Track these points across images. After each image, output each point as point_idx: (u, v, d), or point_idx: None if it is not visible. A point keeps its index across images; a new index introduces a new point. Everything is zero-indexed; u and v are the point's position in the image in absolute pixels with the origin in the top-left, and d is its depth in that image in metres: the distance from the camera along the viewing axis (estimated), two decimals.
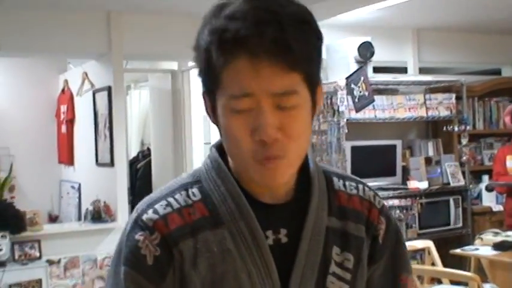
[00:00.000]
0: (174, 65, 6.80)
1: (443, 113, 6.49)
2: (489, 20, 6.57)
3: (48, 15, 5.44)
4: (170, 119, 6.88)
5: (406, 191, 6.22)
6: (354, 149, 5.98)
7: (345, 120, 5.85)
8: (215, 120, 1.21)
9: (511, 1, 5.72)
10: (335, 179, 1.33)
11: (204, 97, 1.23)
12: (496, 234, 5.29)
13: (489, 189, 6.44)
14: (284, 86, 1.12)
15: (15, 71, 7.26)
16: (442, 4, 5.59)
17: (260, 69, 1.11)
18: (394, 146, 6.30)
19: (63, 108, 7.19)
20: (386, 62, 6.57)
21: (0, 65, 7.06)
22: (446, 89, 6.62)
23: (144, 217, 1.20)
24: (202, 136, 7.06)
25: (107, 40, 5.58)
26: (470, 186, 6.55)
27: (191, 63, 6.55)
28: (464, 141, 6.56)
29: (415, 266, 5.25)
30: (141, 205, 1.24)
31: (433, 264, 5.10)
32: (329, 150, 6.04)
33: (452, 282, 4.92)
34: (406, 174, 6.35)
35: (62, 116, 7.22)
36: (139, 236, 1.19)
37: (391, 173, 6.29)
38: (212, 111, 1.21)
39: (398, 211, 6.13)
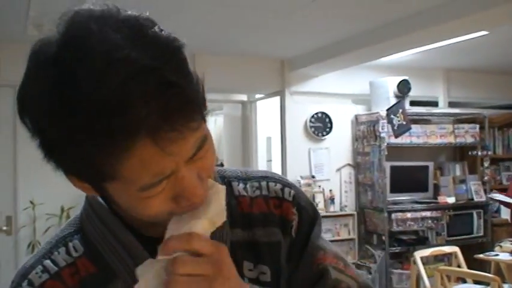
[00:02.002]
0: (244, 97, 6.89)
1: (469, 140, 6.45)
2: (507, 63, 6.49)
3: None
4: (240, 140, 6.97)
5: (436, 205, 6.18)
6: (392, 168, 5.98)
7: (385, 144, 5.86)
8: (96, 191, 0.78)
9: None
10: (234, 184, 0.97)
11: (71, 179, 0.77)
12: None
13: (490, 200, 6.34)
14: (195, 144, 0.74)
15: None
16: (468, 50, 5.55)
17: (169, 146, 0.70)
18: (427, 167, 6.28)
19: None
20: (420, 97, 6.53)
21: None
22: (471, 120, 6.56)
23: None
24: (265, 154, 7.14)
25: None
26: (491, 201, 6.44)
27: (258, 96, 6.65)
28: (486, 164, 6.52)
29: (444, 267, 5.21)
30: (15, 277, 0.85)
31: (458, 266, 5.04)
32: (371, 168, 6.04)
33: (475, 282, 4.86)
34: (436, 190, 6.32)
35: None
36: None
37: (424, 189, 6.27)
38: (90, 185, 0.77)
39: (430, 221, 6.10)
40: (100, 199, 0.85)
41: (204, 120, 0.76)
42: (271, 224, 0.94)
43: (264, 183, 0.98)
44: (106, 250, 0.84)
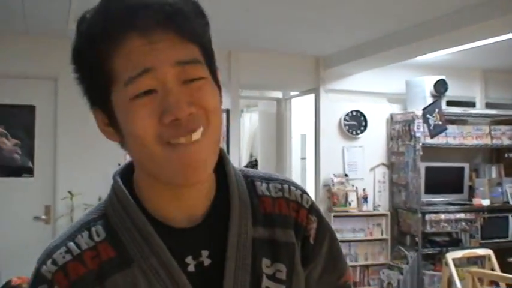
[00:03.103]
0: (279, 94, 6.90)
1: (506, 141, 6.33)
2: None
3: None
4: (274, 137, 6.98)
5: (471, 207, 6.09)
6: (427, 169, 5.92)
7: (421, 144, 5.80)
8: (115, 132, 0.89)
9: None
10: (258, 183, 1.00)
11: (95, 113, 0.91)
12: None
13: None
14: (187, 55, 0.82)
15: None
16: (506, 50, 5.44)
17: (156, 42, 0.81)
18: (463, 168, 6.19)
19: None
20: (457, 97, 6.43)
21: None
22: (508, 121, 6.43)
23: (43, 270, 0.88)
24: (299, 152, 7.13)
25: (227, 73, 5.73)
26: None
27: (293, 93, 6.65)
28: None
29: (477, 269, 5.13)
30: (41, 255, 0.91)
31: (492, 269, 4.96)
32: (406, 169, 5.98)
33: (508, 286, 4.77)
34: (471, 192, 6.22)
35: None
36: None
37: (459, 190, 6.18)
38: (109, 122, 0.88)
39: (463, 223, 6.01)
40: (123, 187, 0.91)
41: (207, 60, 0.87)
42: (289, 226, 0.98)
43: (286, 186, 1.02)
44: (125, 235, 0.88)
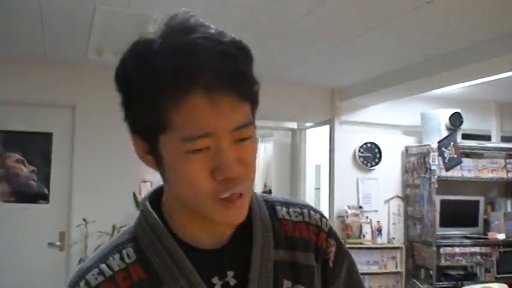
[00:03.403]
0: (294, 125, 6.91)
1: None
2: None
3: None
4: (289, 167, 6.96)
5: (486, 241, 6.02)
6: (442, 202, 5.88)
7: (436, 177, 5.77)
8: (155, 162, 0.92)
9: None
10: (278, 208, 1.05)
11: (134, 140, 0.93)
12: None
13: None
14: (242, 119, 0.86)
15: None
16: None
17: (218, 104, 0.83)
18: (478, 202, 6.14)
19: None
20: (473, 130, 6.40)
21: None
22: None
23: None
24: (313, 182, 7.12)
25: None
26: None
27: (308, 124, 6.66)
28: None
29: None
30: (73, 277, 0.93)
31: None
32: (421, 201, 5.94)
33: None
34: (487, 226, 6.17)
35: None
36: None
37: (474, 224, 6.12)
38: (150, 151, 0.91)
39: (479, 257, 5.93)
40: (153, 212, 0.95)
41: (253, 115, 0.90)
42: (309, 249, 1.02)
43: (305, 211, 1.06)
44: (154, 258, 0.92)
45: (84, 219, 5.04)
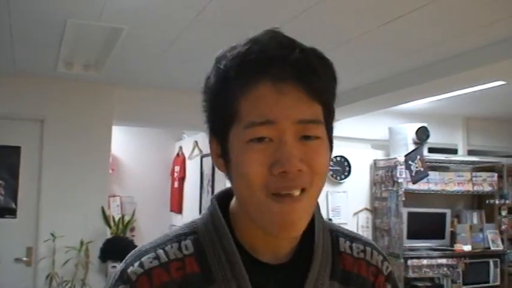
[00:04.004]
0: None
1: (487, 188, 6.39)
2: None
3: (165, 94, 5.57)
4: None
5: (452, 252, 6.11)
6: (410, 214, 5.96)
7: (403, 190, 5.85)
8: (224, 165, 0.91)
9: None
10: (341, 240, 1.03)
11: (211, 142, 0.94)
12: None
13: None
14: (310, 114, 0.85)
15: (144, 137, 7.53)
16: (487, 98, 5.57)
17: (284, 94, 0.83)
18: (444, 214, 6.23)
19: (177, 168, 7.41)
20: (439, 144, 6.52)
21: (132, 132, 7.36)
22: (489, 168, 6.52)
23: (129, 270, 0.91)
24: None
25: None
26: (508, 251, 6.34)
27: None
28: (503, 212, 6.44)
29: None
30: (129, 256, 0.95)
31: None
32: (389, 214, 6.02)
33: None
34: (453, 238, 6.25)
35: (176, 174, 7.44)
36: None
37: (441, 236, 6.21)
38: (222, 154, 0.91)
39: (445, 268, 6.02)
40: (219, 212, 0.95)
41: (325, 117, 0.89)
42: (365, 287, 1.00)
43: (369, 249, 1.04)
44: (211, 255, 0.91)
45: (52, 234, 4.97)
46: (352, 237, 1.04)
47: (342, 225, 1.07)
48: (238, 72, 0.85)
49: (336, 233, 1.03)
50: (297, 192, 0.84)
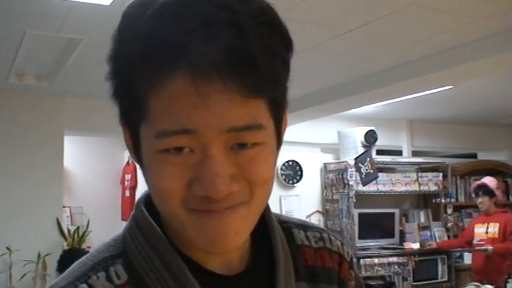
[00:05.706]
0: None
1: (432, 188, 6.70)
2: (468, 114, 6.80)
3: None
4: None
5: (402, 251, 6.36)
6: (360, 215, 6.16)
7: (354, 192, 6.04)
8: (137, 159, 0.68)
9: (482, 99, 5.97)
10: (295, 231, 0.84)
11: (124, 132, 0.70)
12: (477, 287, 5.36)
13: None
14: (244, 119, 0.61)
15: (91, 147, 7.43)
16: (431, 102, 5.83)
17: (208, 95, 0.59)
18: (393, 214, 6.46)
19: (127, 177, 7.34)
20: (386, 146, 6.77)
21: (79, 142, 7.25)
22: (434, 168, 6.81)
23: None
24: None
25: None
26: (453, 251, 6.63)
27: None
28: (449, 211, 6.78)
29: None
30: None
31: None
32: (340, 215, 6.20)
33: None
34: (402, 236, 6.50)
35: (126, 183, 7.36)
36: None
37: (391, 235, 6.44)
38: (133, 145, 0.68)
39: (396, 266, 6.25)
40: (149, 217, 0.72)
41: (272, 111, 0.66)
42: (333, 280, 0.85)
43: (325, 235, 0.87)
44: (150, 276, 0.69)
45: (7, 248, 4.88)
46: (305, 226, 0.86)
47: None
48: (142, 62, 0.60)
49: (287, 224, 0.84)
50: (229, 211, 0.64)
